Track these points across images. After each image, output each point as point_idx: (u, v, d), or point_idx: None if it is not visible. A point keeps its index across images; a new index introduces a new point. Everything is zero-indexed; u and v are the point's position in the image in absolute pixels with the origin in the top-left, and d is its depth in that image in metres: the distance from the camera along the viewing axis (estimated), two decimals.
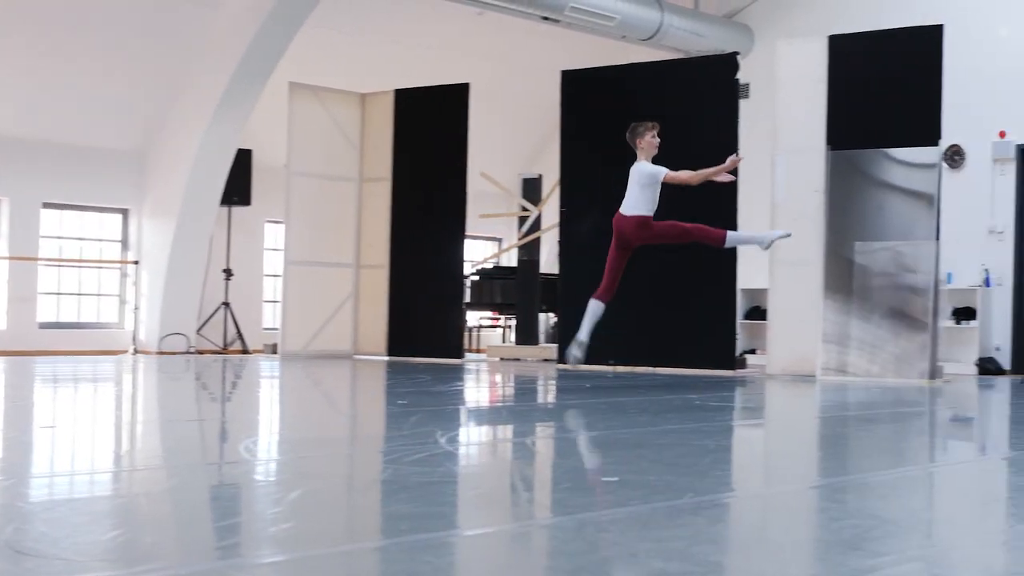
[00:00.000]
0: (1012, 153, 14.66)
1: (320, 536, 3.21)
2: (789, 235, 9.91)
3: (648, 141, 9.67)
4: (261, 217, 16.94)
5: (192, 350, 15.40)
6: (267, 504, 3.80)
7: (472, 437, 5.97)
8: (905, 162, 12.05)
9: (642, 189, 9.58)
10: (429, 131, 15.19)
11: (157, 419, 7.24)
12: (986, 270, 14.80)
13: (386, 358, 15.12)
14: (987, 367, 14.53)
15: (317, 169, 15.36)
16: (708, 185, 12.82)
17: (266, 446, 5.58)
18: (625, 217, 9.67)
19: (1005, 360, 14.65)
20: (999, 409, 9.28)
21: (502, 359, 15.85)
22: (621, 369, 13.12)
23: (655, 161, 9.84)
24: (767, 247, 10.08)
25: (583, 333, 10.08)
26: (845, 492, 4.23)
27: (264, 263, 17.31)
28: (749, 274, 15.01)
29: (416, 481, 4.17)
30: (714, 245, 9.86)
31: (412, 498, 3.82)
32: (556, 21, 15.00)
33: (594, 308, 10.09)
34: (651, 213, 9.67)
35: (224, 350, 15.99)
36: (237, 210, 16.25)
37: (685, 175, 9.58)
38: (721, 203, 12.75)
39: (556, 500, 4.02)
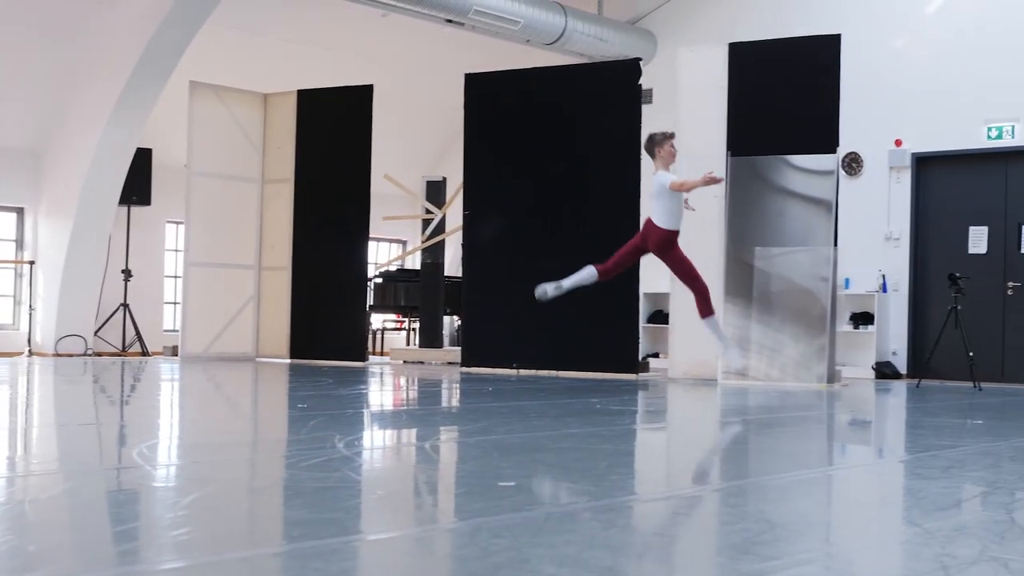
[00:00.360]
0: (908, 161, 14.95)
1: (210, 543, 3.16)
2: (744, 366, 10.09)
3: (666, 150, 9.93)
4: (161, 217, 16.71)
5: (90, 352, 15.13)
6: (161, 509, 3.74)
7: (371, 441, 5.94)
8: (804, 169, 12.23)
9: (658, 198, 9.85)
10: (333, 132, 15.11)
11: (52, 423, 7.09)
12: (883, 276, 15.07)
13: (288, 361, 15.01)
14: (884, 371, 14.79)
15: (218, 169, 15.19)
16: (612, 185, 12.95)
17: (164, 450, 5.50)
18: (655, 227, 9.95)
19: (901, 364, 14.93)
20: (895, 413, 9.44)
21: (405, 362, 15.80)
22: (524, 372, 13.15)
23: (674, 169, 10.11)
24: (723, 349, 10.27)
25: (566, 282, 10.09)
26: (740, 496, 4.27)
27: (164, 264, 17.08)
28: (651, 278, 15.12)
29: (311, 487, 4.13)
30: (699, 309, 9.98)
31: (306, 504, 3.79)
32: (460, 24, 14.99)
33: (587, 274, 10.14)
34: (677, 227, 9.91)
35: (123, 352, 15.74)
36: (136, 210, 16.01)
37: (680, 181, 9.82)
38: (624, 205, 12.87)
39: (451, 506, 4.01)
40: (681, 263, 9.94)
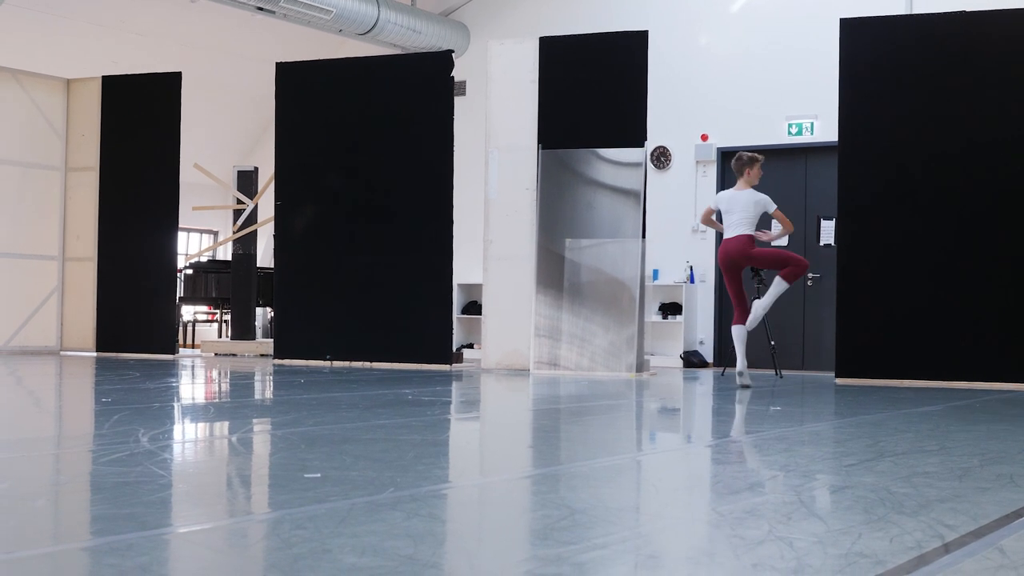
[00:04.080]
0: (713, 155, 15.36)
1: (1, 541, 3.08)
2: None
3: (755, 172, 10.56)
4: None
5: None
6: None
7: (176, 435, 5.84)
8: (613, 162, 12.46)
9: (747, 213, 10.39)
10: (140, 120, 14.79)
11: None
12: (690, 267, 15.45)
13: (94, 354, 14.63)
14: (691, 360, 15.18)
15: (17, 156, 14.73)
16: (424, 176, 12.97)
17: None
18: (748, 240, 10.41)
19: (708, 353, 15.34)
20: (701, 401, 9.69)
21: (217, 355, 15.56)
22: (338, 364, 13.09)
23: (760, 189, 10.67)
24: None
25: (740, 363, 10.63)
26: (545, 484, 4.35)
27: None
28: (465, 269, 15.24)
29: (112, 481, 4.05)
30: (787, 276, 10.37)
31: (104, 499, 3.71)
32: (272, 12, 14.81)
33: (738, 333, 10.63)
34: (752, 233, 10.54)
35: None
36: None
37: (783, 216, 10.64)
38: (436, 196, 12.91)
39: (254, 498, 3.98)
40: (768, 254, 10.62)
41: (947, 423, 7.08)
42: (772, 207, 10.40)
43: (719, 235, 11.27)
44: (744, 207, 10.39)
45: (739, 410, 8.38)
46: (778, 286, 10.40)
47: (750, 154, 10.62)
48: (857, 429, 6.64)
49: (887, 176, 11.41)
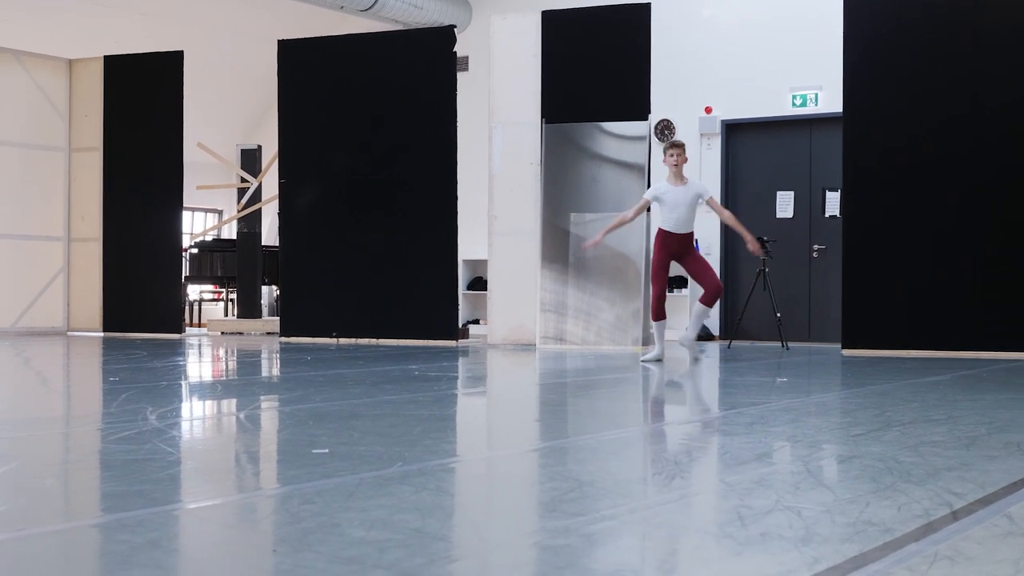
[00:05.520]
0: (717, 128, 15.32)
1: (12, 518, 3.09)
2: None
3: (665, 159, 10.45)
4: None
5: None
6: None
7: (184, 413, 5.85)
8: (617, 135, 12.44)
9: (693, 207, 10.46)
10: (143, 100, 14.77)
11: None
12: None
13: (101, 334, 14.65)
14: (699, 333, 15.14)
15: (20, 138, 14.73)
16: (427, 153, 12.94)
17: None
18: (690, 235, 10.58)
19: (714, 326, 15.33)
20: (707, 373, 9.70)
21: (223, 333, 15.58)
22: (344, 341, 13.11)
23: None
24: (688, 337, 10.76)
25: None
26: (552, 456, 4.35)
27: None
28: (470, 245, 15.23)
29: (121, 459, 4.07)
30: (706, 300, 10.47)
31: (114, 477, 3.73)
32: None
33: (661, 327, 10.72)
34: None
35: None
36: None
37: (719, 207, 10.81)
38: (440, 173, 12.90)
39: (263, 474, 3.99)
40: (701, 260, 10.68)
41: (954, 392, 7.09)
42: (707, 194, 10.45)
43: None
44: (690, 205, 10.38)
45: (746, 382, 8.38)
46: (701, 314, 10.52)
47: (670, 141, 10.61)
48: (864, 399, 6.65)
49: (892, 147, 11.38)
